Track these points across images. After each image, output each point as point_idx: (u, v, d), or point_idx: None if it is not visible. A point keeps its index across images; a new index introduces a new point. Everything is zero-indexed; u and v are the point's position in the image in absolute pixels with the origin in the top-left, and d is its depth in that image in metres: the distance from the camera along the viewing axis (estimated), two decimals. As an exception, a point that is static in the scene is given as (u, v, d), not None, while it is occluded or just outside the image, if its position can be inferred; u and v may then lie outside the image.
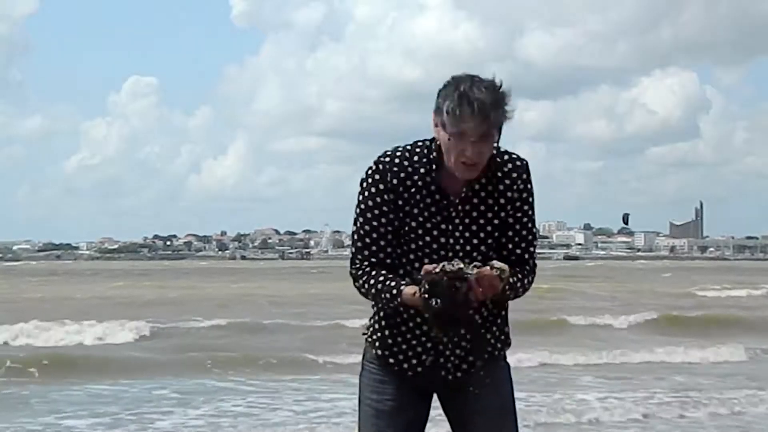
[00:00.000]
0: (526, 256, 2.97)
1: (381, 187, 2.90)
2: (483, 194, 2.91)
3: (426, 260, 2.83)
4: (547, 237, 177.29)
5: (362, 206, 2.93)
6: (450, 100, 2.77)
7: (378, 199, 2.90)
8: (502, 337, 3.05)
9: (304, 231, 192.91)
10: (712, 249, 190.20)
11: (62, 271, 69.47)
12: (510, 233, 2.95)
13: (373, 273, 2.89)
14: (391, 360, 2.98)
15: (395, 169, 2.90)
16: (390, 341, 2.98)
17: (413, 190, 2.88)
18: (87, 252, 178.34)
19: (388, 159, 2.91)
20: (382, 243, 2.91)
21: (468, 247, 2.90)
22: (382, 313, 2.99)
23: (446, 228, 2.89)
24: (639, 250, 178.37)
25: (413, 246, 2.90)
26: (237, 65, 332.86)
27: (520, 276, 2.93)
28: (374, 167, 2.92)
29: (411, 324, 2.94)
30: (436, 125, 2.85)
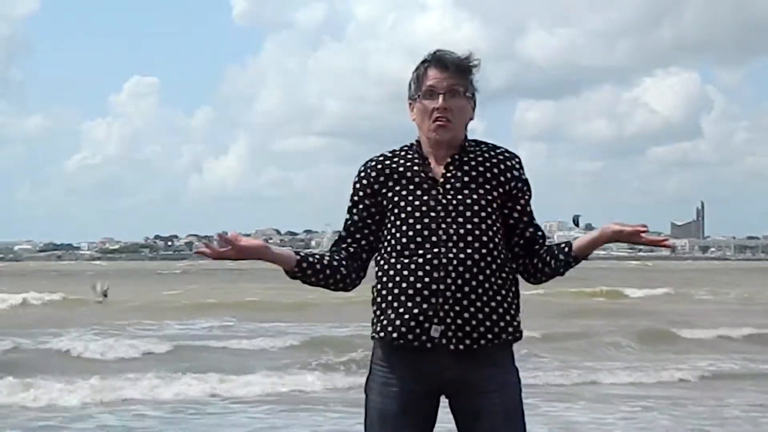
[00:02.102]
0: (539, 233, 3.11)
1: (358, 186, 3.08)
2: (467, 174, 3.02)
3: (419, 241, 2.94)
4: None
5: (348, 205, 3.11)
6: (416, 71, 3.06)
7: (356, 199, 3.08)
8: (514, 323, 3.02)
9: (305, 231, 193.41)
10: (713, 249, 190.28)
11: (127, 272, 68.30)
12: (516, 215, 3.07)
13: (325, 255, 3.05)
14: (402, 341, 2.95)
15: (379, 167, 3.06)
16: (398, 322, 2.96)
17: (401, 180, 3.02)
18: (88, 252, 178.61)
19: (371, 162, 3.09)
20: (349, 240, 3.06)
21: (459, 227, 2.96)
22: (384, 292, 2.99)
23: (434, 208, 2.97)
24: (640, 250, 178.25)
25: (410, 233, 2.96)
26: (238, 65, 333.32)
27: (554, 250, 3.08)
28: (358, 171, 3.10)
29: (416, 296, 2.94)
30: (411, 110, 3.08)
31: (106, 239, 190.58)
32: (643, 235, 2.96)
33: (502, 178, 3.03)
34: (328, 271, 2.98)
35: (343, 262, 3.01)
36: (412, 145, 3.09)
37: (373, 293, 3.05)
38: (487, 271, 2.96)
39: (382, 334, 3.00)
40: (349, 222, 3.06)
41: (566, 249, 3.06)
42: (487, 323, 2.95)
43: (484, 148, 3.07)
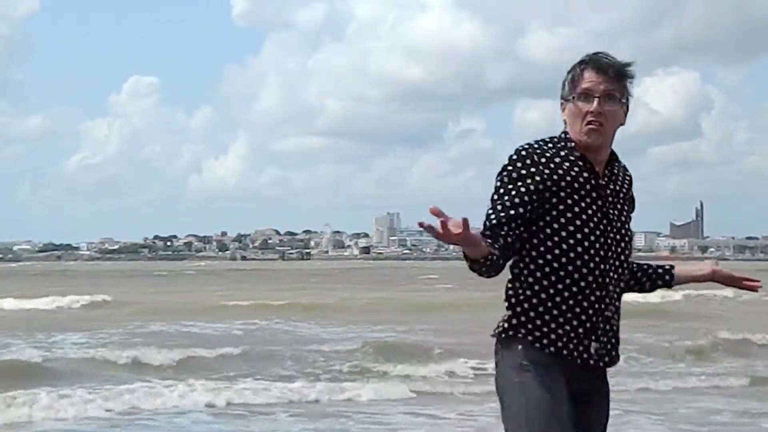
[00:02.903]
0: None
1: (529, 181, 2.91)
2: (620, 189, 3.06)
3: (591, 254, 2.93)
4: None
5: (498, 192, 2.92)
6: (572, 71, 2.99)
7: (523, 190, 2.90)
8: (619, 344, 3.10)
9: (304, 231, 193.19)
10: (712, 249, 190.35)
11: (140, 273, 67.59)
12: (630, 233, 3.09)
13: None
14: (565, 352, 2.94)
15: (551, 165, 2.94)
16: (562, 335, 2.94)
17: (573, 184, 2.94)
18: (87, 252, 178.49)
19: (539, 158, 2.95)
20: (506, 228, 2.88)
21: (617, 246, 3.00)
22: (549, 304, 2.94)
23: (602, 221, 2.96)
24: (639, 250, 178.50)
25: (585, 243, 2.93)
26: (238, 65, 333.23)
27: (651, 274, 3.19)
28: (517, 155, 2.95)
29: (582, 314, 2.95)
30: (563, 110, 3.02)
31: (105, 239, 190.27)
32: (745, 282, 3.20)
33: (630, 197, 3.11)
34: (500, 262, 2.89)
35: (502, 252, 2.89)
36: (565, 139, 3.00)
37: (522, 293, 2.97)
38: (623, 289, 3.09)
39: (544, 343, 2.94)
40: (512, 211, 2.89)
41: (667, 278, 3.18)
42: (618, 341, 3.07)
43: (620, 165, 3.10)
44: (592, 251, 2.93)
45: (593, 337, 2.95)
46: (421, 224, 2.62)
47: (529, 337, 2.94)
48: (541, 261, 2.95)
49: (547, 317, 2.93)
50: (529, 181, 2.90)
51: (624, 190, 3.07)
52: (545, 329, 2.93)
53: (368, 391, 11.27)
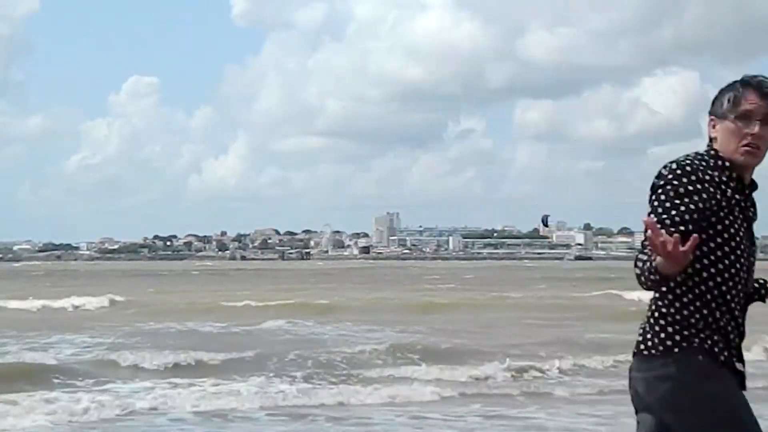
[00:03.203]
0: None
1: (690, 188, 2.91)
2: (755, 211, 3.11)
3: (741, 275, 2.99)
4: (547, 237, 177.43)
5: (663, 206, 2.91)
6: (733, 90, 3.03)
7: (692, 207, 2.89)
8: None
9: (304, 231, 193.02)
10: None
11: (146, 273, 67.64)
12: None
13: (645, 258, 2.89)
14: (728, 366, 3.00)
15: (715, 182, 2.95)
16: (722, 344, 2.98)
17: (731, 202, 2.97)
18: (87, 252, 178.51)
19: (693, 164, 2.96)
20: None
21: (753, 251, 3.07)
22: (710, 319, 2.97)
23: (744, 243, 3.00)
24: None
25: (737, 264, 2.98)
26: (238, 65, 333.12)
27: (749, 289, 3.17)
28: (681, 170, 2.94)
29: (728, 326, 3.00)
30: (713, 126, 3.05)
31: (105, 239, 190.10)
32: None
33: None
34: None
35: None
36: (717, 156, 3.01)
37: (683, 308, 2.98)
38: None
39: (715, 353, 2.96)
40: (681, 227, 2.85)
41: (762, 292, 3.22)
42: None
43: (755, 185, 3.13)
44: (741, 273, 2.99)
45: (734, 351, 3.02)
46: (651, 240, 2.69)
47: (705, 346, 2.96)
48: (697, 279, 2.96)
49: (708, 332, 2.97)
50: (696, 198, 2.90)
51: (755, 216, 3.13)
52: (715, 339, 2.97)
53: (361, 392, 11.24)
